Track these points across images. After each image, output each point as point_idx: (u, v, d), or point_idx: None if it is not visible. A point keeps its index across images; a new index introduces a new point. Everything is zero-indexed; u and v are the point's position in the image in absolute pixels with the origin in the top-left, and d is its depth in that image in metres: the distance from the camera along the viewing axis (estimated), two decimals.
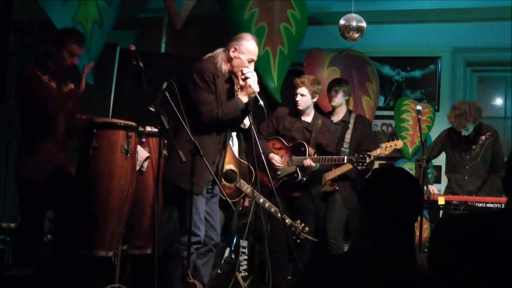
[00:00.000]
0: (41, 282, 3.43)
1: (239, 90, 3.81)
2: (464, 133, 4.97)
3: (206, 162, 3.46)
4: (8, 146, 5.23)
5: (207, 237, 3.82)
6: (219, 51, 3.84)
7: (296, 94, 4.89)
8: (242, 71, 3.77)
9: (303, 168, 4.81)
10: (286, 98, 5.80)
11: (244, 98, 3.77)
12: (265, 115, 3.94)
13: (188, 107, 3.66)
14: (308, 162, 4.74)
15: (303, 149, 4.83)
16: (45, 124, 3.97)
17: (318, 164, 4.78)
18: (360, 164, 4.68)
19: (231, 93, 3.84)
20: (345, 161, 4.76)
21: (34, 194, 3.93)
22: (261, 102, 3.86)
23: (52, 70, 4.03)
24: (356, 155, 4.73)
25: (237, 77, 3.83)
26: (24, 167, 3.97)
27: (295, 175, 4.82)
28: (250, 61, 3.81)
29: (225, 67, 3.79)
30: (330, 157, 4.81)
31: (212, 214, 3.89)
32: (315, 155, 4.84)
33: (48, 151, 3.98)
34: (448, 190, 5.16)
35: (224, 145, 3.89)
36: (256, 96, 3.80)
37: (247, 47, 3.80)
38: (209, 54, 3.85)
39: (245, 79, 3.76)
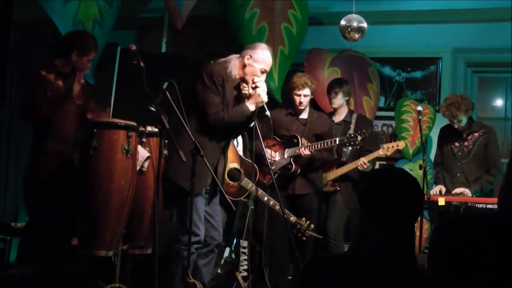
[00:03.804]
0: (41, 282, 3.43)
1: (247, 98, 3.81)
2: (457, 124, 4.93)
3: (207, 162, 3.46)
4: (8, 146, 5.23)
5: (209, 237, 3.82)
6: (233, 56, 3.85)
7: (299, 95, 4.87)
8: (253, 79, 3.78)
9: (296, 160, 4.81)
10: (286, 98, 5.79)
11: (252, 106, 3.78)
12: (271, 126, 3.96)
13: (194, 106, 3.66)
14: (303, 150, 4.74)
15: (295, 140, 4.84)
16: (55, 124, 3.99)
17: (312, 150, 4.76)
18: (352, 143, 4.68)
19: (238, 100, 3.84)
20: (337, 142, 4.74)
21: (44, 195, 3.94)
22: (268, 113, 3.89)
23: (59, 70, 4.06)
24: (347, 134, 4.74)
25: (246, 83, 3.82)
26: (35, 168, 3.98)
27: (289, 166, 4.82)
28: (262, 72, 3.82)
29: (235, 73, 3.80)
30: (321, 141, 4.78)
31: (213, 214, 3.88)
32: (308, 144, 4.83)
33: (59, 152, 4.00)
34: (438, 181, 5.14)
35: (223, 152, 3.89)
36: (263, 106, 3.82)
37: (262, 57, 3.82)
38: (222, 59, 3.85)
39: (255, 87, 3.77)
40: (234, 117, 3.74)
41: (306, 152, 4.74)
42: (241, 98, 3.84)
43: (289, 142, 4.87)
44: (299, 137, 4.83)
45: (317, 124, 4.94)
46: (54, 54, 4.18)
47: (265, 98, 3.79)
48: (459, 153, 5.02)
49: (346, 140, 4.71)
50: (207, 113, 3.70)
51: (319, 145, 4.75)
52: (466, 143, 5.00)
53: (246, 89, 3.82)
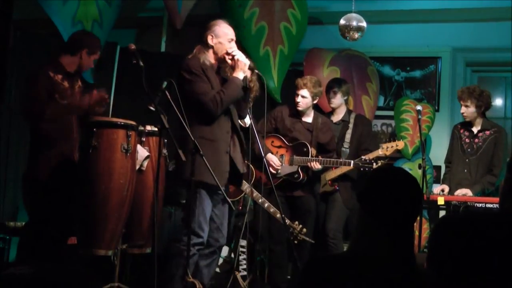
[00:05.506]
0: (41, 281, 3.43)
1: (232, 71, 3.82)
2: (463, 109, 4.92)
3: (206, 162, 3.45)
4: (8, 146, 5.23)
5: (212, 238, 3.80)
6: (197, 47, 3.85)
7: (297, 95, 4.89)
8: (226, 52, 3.79)
9: (304, 169, 4.81)
10: (286, 98, 5.80)
11: (240, 75, 3.78)
12: (265, 85, 3.93)
13: (191, 105, 3.65)
14: (315, 164, 4.74)
15: (305, 149, 4.83)
16: (59, 124, 3.99)
17: (322, 165, 4.78)
18: (366, 169, 4.68)
19: (224, 83, 3.83)
20: (352, 165, 4.75)
21: (44, 194, 3.93)
22: (257, 71, 3.92)
23: (65, 70, 4.07)
24: (362, 159, 4.72)
25: (225, 60, 3.83)
26: (35, 167, 3.98)
27: (296, 175, 4.82)
28: (230, 42, 3.83)
29: (209, 59, 3.80)
30: (336, 160, 4.81)
31: (220, 216, 3.86)
32: (319, 156, 4.83)
33: (59, 151, 4.00)
34: (445, 181, 5.14)
35: (232, 132, 3.86)
36: (250, 69, 3.83)
37: (222, 30, 3.83)
38: (190, 55, 3.84)
39: (232, 58, 3.78)
40: (230, 92, 3.72)
41: (317, 166, 4.76)
42: (225, 80, 3.83)
43: (298, 149, 4.86)
44: (309, 147, 4.82)
45: (321, 132, 4.94)
46: (58, 53, 4.18)
47: (246, 61, 3.79)
48: (468, 150, 5.01)
49: (361, 164, 4.71)
50: (203, 102, 3.67)
51: (330, 163, 4.78)
52: (476, 140, 4.99)
53: (229, 68, 3.86)
